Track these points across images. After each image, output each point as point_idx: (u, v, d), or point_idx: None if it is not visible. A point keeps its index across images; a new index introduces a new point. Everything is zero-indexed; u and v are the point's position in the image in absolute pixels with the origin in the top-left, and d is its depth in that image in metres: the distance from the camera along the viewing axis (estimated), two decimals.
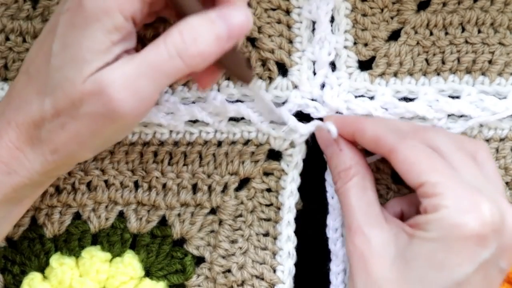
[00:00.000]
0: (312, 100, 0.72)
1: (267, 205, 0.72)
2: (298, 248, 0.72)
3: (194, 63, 0.57)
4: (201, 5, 0.59)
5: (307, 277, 0.71)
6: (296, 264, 0.72)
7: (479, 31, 0.73)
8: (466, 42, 0.73)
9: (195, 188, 0.72)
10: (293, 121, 0.70)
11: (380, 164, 0.72)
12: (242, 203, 0.72)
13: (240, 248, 0.71)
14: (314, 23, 0.72)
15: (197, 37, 0.57)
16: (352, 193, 0.65)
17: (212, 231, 0.72)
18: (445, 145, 0.64)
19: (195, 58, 0.57)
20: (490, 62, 0.73)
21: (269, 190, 0.72)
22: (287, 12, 0.72)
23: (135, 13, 0.58)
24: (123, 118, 0.58)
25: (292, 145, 0.72)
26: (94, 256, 0.70)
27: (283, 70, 0.72)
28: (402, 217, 0.68)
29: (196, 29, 0.57)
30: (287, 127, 0.70)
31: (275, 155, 0.73)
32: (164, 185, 0.71)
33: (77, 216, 0.71)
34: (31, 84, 0.61)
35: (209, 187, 0.72)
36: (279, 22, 0.72)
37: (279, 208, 0.72)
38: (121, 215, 0.71)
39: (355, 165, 0.66)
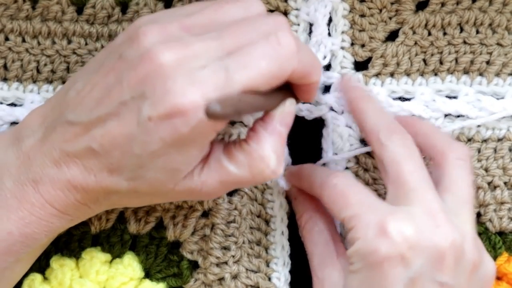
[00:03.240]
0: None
1: (257, 216, 0.72)
2: (292, 253, 0.72)
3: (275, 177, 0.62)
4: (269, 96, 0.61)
5: (302, 282, 0.71)
6: (290, 271, 0.72)
7: (477, 32, 0.73)
8: (464, 42, 0.73)
9: None
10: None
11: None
12: (235, 208, 0.72)
13: (233, 256, 0.71)
14: (311, 25, 0.72)
15: (278, 160, 0.61)
16: (307, 239, 0.68)
17: (205, 235, 0.71)
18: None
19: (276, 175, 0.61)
20: (488, 62, 0.73)
21: (257, 200, 0.72)
22: (285, 13, 0.71)
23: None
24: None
25: None
26: (94, 257, 0.70)
27: None
28: None
29: (276, 152, 0.60)
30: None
31: None
32: None
33: None
34: (99, 160, 0.60)
35: None
36: None
37: (268, 221, 0.72)
38: (121, 216, 0.72)
39: (306, 212, 0.69)
